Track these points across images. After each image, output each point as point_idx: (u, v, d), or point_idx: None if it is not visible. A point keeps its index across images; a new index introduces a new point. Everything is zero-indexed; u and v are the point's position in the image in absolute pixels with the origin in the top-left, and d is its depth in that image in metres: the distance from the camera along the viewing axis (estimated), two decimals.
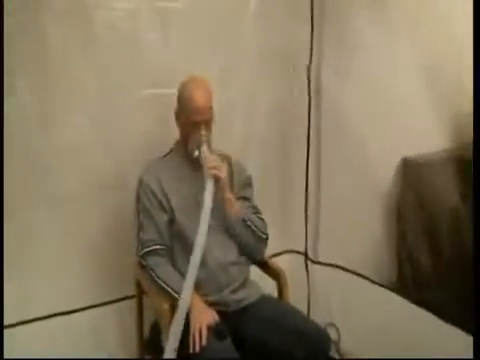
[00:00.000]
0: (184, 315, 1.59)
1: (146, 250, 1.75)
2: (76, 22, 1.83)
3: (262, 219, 1.88)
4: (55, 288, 1.90)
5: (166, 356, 1.58)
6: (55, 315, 1.92)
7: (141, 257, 1.76)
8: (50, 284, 1.88)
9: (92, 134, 1.92)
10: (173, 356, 1.57)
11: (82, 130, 1.90)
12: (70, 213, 1.92)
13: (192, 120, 1.74)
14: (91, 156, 1.93)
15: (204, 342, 1.57)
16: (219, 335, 1.60)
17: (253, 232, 1.82)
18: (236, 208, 1.79)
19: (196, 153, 1.75)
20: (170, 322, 1.60)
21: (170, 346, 1.58)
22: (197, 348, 1.56)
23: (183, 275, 1.65)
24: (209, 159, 1.72)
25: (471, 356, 1.31)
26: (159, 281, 1.70)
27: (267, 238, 1.87)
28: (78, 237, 1.94)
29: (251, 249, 1.86)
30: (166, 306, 1.65)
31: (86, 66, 1.86)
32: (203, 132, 1.74)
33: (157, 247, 1.76)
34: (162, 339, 1.64)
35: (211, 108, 1.78)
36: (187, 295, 1.61)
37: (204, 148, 1.73)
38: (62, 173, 1.88)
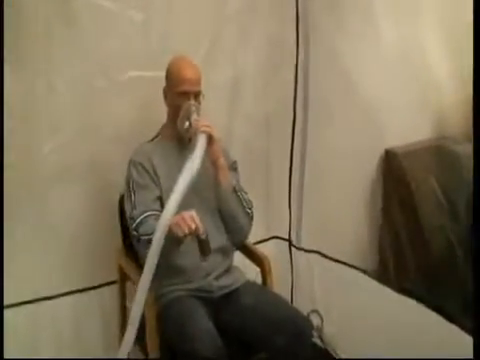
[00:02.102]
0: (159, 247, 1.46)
1: (139, 220, 1.65)
2: (57, 3, 1.78)
3: (249, 200, 1.87)
4: (36, 273, 1.87)
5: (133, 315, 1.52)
6: (36, 300, 1.89)
7: (135, 231, 1.65)
8: (31, 269, 1.86)
9: (73, 117, 1.88)
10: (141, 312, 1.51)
11: (63, 113, 1.86)
12: (51, 198, 1.88)
13: (182, 90, 1.73)
14: (72, 140, 1.88)
15: (192, 226, 1.48)
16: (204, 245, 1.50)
17: (242, 205, 1.81)
18: (228, 176, 1.78)
19: (186, 124, 1.71)
20: (154, 308, 1.59)
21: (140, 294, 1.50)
22: (186, 230, 1.47)
23: (168, 263, 1.62)
24: (201, 121, 1.69)
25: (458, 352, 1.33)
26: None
27: (252, 217, 1.85)
28: (59, 222, 1.91)
29: (238, 224, 1.83)
30: (151, 292, 1.62)
31: (67, 48, 1.81)
32: (193, 102, 1.73)
33: (150, 213, 1.66)
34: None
35: (200, 81, 1.76)
36: (162, 228, 1.46)
37: (194, 116, 1.71)
38: (42, 157, 1.84)
